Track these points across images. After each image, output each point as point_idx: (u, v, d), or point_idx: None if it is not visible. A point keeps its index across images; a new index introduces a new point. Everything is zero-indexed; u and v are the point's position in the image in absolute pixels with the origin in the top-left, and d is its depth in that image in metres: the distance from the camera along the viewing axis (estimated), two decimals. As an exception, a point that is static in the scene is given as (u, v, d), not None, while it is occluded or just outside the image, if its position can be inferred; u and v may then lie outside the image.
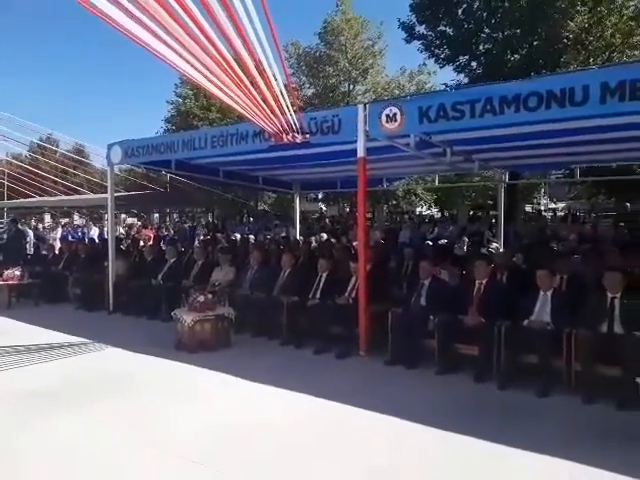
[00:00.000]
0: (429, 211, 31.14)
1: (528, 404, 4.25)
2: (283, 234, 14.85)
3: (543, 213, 23.73)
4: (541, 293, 4.93)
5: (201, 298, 6.09)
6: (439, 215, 28.27)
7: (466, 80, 16.79)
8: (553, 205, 30.80)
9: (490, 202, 23.62)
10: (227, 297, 6.56)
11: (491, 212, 22.34)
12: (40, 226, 19.07)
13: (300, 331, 6.14)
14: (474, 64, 17.06)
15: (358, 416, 4.05)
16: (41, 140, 30.72)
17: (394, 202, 28.11)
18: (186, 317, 5.95)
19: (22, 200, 20.68)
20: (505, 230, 10.27)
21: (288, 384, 4.67)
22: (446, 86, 17.16)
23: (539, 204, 30.41)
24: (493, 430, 3.70)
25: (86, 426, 3.87)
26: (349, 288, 6.22)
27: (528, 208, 26.03)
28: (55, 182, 23.36)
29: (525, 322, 4.83)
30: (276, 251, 8.68)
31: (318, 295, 6.46)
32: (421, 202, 29.35)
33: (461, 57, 16.97)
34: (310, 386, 4.62)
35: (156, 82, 67.78)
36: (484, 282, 5.38)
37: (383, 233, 14.06)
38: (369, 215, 26.70)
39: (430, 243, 9.44)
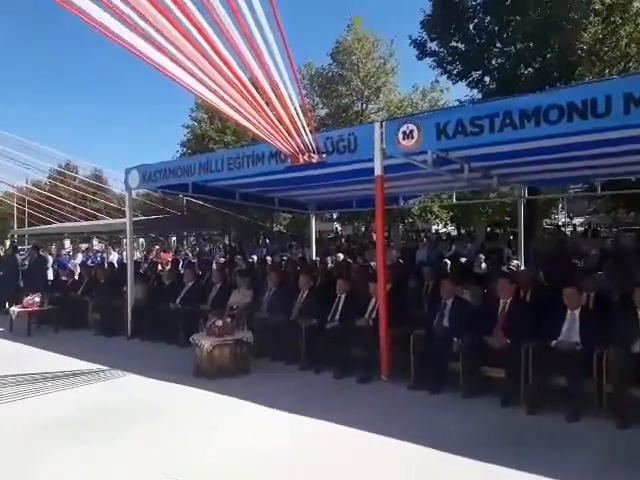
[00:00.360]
0: (445, 229, 30.86)
1: (558, 429, 4.06)
2: (300, 255, 14.79)
3: (562, 228, 23.33)
4: (568, 312, 4.75)
5: (219, 322, 6.01)
6: (456, 233, 27.99)
7: (479, 96, 16.74)
8: (569, 220, 30.30)
9: (507, 218, 23.30)
10: (245, 320, 6.47)
11: (509, 228, 22.05)
12: (63, 252, 19.30)
13: (319, 355, 6.01)
14: (487, 79, 17.02)
15: (381, 443, 3.90)
16: (60, 167, 31.41)
17: (410, 220, 27.93)
18: (204, 342, 5.88)
19: (42, 226, 21.06)
20: (525, 247, 10.05)
21: (308, 411, 4.55)
22: (460, 102, 17.13)
23: (557, 219, 29.95)
24: (523, 458, 3.53)
25: (104, 457, 3.78)
26: (369, 309, 6.11)
27: (546, 224, 25.64)
28: (74, 208, 23.76)
29: (553, 343, 4.65)
30: (293, 272, 8.60)
31: (337, 317, 6.35)
32: (437, 220, 29.12)
33: (474, 72, 16.95)
34: (331, 412, 4.50)
35: (172, 107, 69.23)
36: (508, 301, 5.22)
37: (400, 252, 13.94)
38: (385, 234, 26.62)
39: (448, 261, 9.27)
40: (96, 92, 76.41)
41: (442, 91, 24.70)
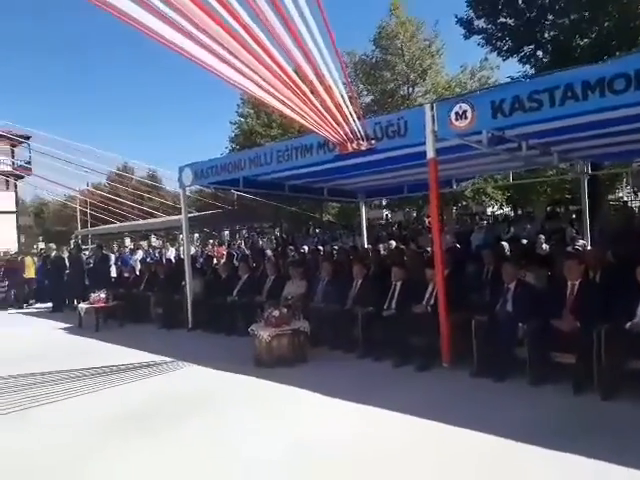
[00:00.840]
0: (501, 210, 29.88)
1: (637, 415, 3.83)
2: (351, 243, 14.74)
3: (628, 204, 22.01)
4: (644, 292, 4.45)
5: (276, 313, 6.09)
6: (512, 214, 27.03)
7: (532, 71, 15.99)
8: (634, 195, 28.54)
9: (568, 196, 22.27)
10: (301, 310, 6.51)
11: (570, 207, 21.04)
12: (127, 250, 20.23)
13: (377, 343, 5.98)
14: (540, 53, 16.22)
15: (446, 432, 3.82)
16: (118, 169, 32.81)
17: (463, 203, 27.22)
18: (263, 333, 5.96)
19: (104, 226, 22.10)
20: (590, 225, 9.54)
21: (368, 399, 4.53)
22: (512, 79, 16.44)
23: (621, 195, 28.31)
24: (598, 447, 3.34)
25: (170, 446, 3.90)
26: (426, 296, 6.01)
27: (610, 201, 24.28)
28: (132, 207, 24.77)
29: (628, 325, 4.38)
30: (346, 261, 8.57)
31: (394, 305, 6.29)
32: (492, 201, 28.22)
33: (525, 47, 16.21)
34: (391, 401, 4.46)
35: (220, 104, 70.61)
36: (577, 283, 4.97)
37: (454, 237, 13.61)
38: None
39: (505, 244, 8.95)
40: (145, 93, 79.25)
41: (492, 69, 23.84)
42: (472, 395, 4.59)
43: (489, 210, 30.32)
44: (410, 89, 25.25)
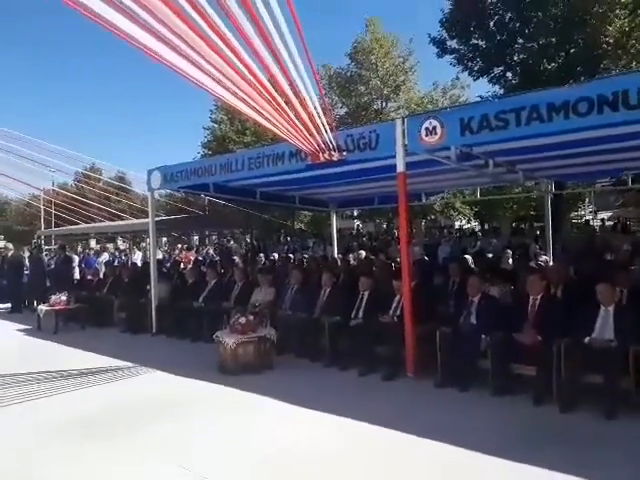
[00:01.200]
0: (468, 225, 30.48)
1: (595, 428, 3.94)
2: (321, 253, 14.77)
3: (590, 223, 22.82)
4: (602, 308, 4.61)
5: (242, 320, 6.03)
6: (479, 228, 27.61)
7: (502, 91, 16.50)
8: (595, 214, 29.60)
9: (532, 213, 22.91)
10: (268, 318, 6.48)
11: (535, 223, 21.64)
12: (91, 252, 19.68)
13: (344, 352, 5.99)
14: (509, 75, 16.79)
15: (408, 442, 3.84)
16: (85, 169, 31.97)
17: (432, 217, 27.65)
18: (228, 339, 5.89)
19: (69, 227, 21.45)
20: (553, 242, 9.84)
21: (333, 408, 4.52)
22: (482, 98, 16.89)
23: (583, 214, 29.31)
24: (561, 459, 3.42)
25: (123, 453, 3.80)
26: (393, 306, 6.06)
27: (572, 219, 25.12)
28: (99, 209, 24.18)
29: (587, 339, 4.51)
30: (315, 270, 8.57)
31: (361, 314, 6.32)
32: (460, 216, 28.77)
33: (495, 68, 16.75)
34: (356, 410, 4.45)
35: (192, 110, 70.26)
36: (539, 297, 5.10)
37: (423, 249, 13.80)
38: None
39: (469, 257, 9.13)
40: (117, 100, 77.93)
41: (463, 88, 24.50)
42: (436, 405, 4.64)
43: (457, 224, 30.85)
44: (383, 103, 25.65)
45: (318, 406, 4.60)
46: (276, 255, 13.52)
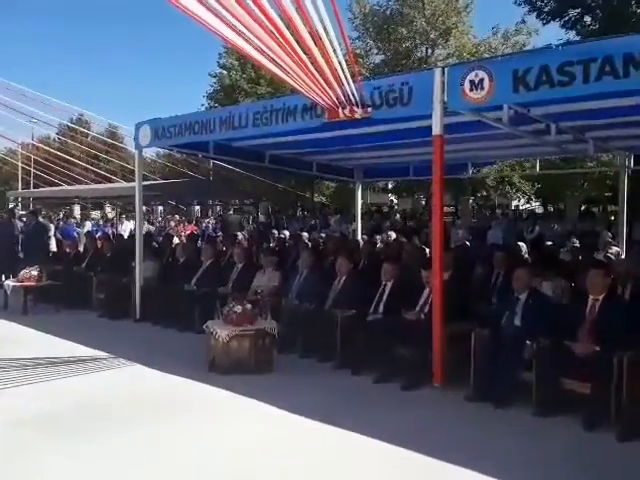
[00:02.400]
0: (528, 205, 29.99)
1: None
2: (345, 232, 14.73)
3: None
4: (679, 316, 4.44)
5: (238, 308, 6.02)
6: (541, 210, 27.13)
7: (577, 39, 15.97)
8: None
9: (608, 194, 22.34)
10: (270, 308, 6.47)
11: (609, 207, 21.11)
12: (72, 220, 20.02)
13: (358, 353, 5.96)
14: (587, 19, 16.22)
15: (427, 466, 3.79)
16: (71, 121, 32.42)
17: (484, 194, 27.28)
18: (220, 331, 5.91)
19: (50, 189, 21.82)
20: (629, 230, 9.58)
21: (341, 420, 4.50)
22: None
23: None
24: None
25: (91, 457, 3.85)
26: (421, 301, 6.01)
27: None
28: (86, 169, 24.54)
29: (656, 354, 4.37)
30: (332, 253, 8.55)
31: (381, 309, 6.29)
32: (518, 194, 28.31)
33: (571, 10, 16.20)
34: (368, 424, 4.43)
35: (197, 52, 70.19)
36: (600, 298, 4.95)
37: (468, 232, 13.63)
38: (452, 209, 26.13)
39: (523, 245, 8.95)
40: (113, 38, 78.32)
41: (530, 34, 23.73)
42: (466, 423, 4.58)
43: (514, 203, 30.42)
44: (429, 50, 25.10)
45: (322, 417, 4.59)
46: (287, 233, 13.51)
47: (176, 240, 12.88)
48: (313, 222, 20.34)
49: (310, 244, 10.43)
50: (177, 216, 23.60)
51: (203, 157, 10.82)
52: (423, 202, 27.58)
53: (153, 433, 4.34)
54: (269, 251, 8.68)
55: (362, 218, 13.10)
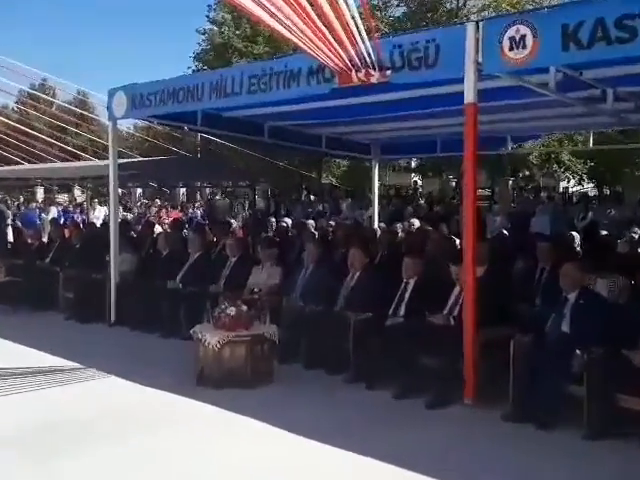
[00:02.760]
0: (579, 187, 29.88)
1: None
2: (360, 219, 14.76)
3: None
4: None
5: (231, 310, 6.06)
6: (595, 193, 27.05)
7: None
8: None
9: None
10: (269, 310, 6.51)
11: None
12: (34, 205, 20.16)
13: (374, 364, 5.99)
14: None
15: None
16: (33, 88, 32.46)
17: (526, 173, 27.20)
18: (210, 337, 5.95)
19: (7, 168, 21.89)
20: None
21: (353, 443, 4.54)
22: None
23: None
24: None
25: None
26: (450, 302, 6.04)
27: None
28: (50, 144, 24.61)
29: None
30: (343, 244, 8.59)
31: (402, 311, 6.33)
32: (567, 173, 28.20)
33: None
34: (385, 448, 4.46)
35: (183, 4, 70.14)
36: (664, 300, 4.96)
37: (508, 220, 13.61)
38: (487, 192, 26.09)
39: (576, 235, 8.94)
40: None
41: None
42: (502, 446, 4.61)
43: (562, 185, 30.32)
44: (460, 1, 24.95)
45: (331, 439, 4.62)
46: (289, 220, 13.53)
47: (158, 229, 12.96)
48: (321, 207, 20.42)
49: (317, 234, 10.48)
50: (159, 200, 23.70)
51: (189, 130, 10.80)
52: (453, 183, 27.64)
53: (130, 455, 4.39)
54: (268, 242, 8.68)
55: (380, 203, 13.12)
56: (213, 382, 5.87)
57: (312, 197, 25.31)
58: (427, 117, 8.43)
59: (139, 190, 27.23)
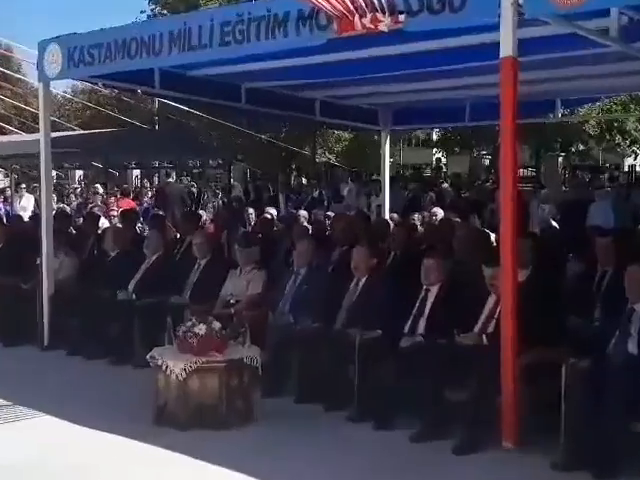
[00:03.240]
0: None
1: None
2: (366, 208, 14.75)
3: None
4: None
5: (201, 329, 6.05)
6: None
7: None
8: None
9: None
10: (250, 328, 6.51)
11: None
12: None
13: (386, 396, 6.01)
14: None
15: None
16: None
17: (580, 148, 27.24)
18: (173, 364, 5.95)
19: None
20: None
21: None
22: None
23: None
24: None
25: None
26: (482, 317, 6.05)
27: None
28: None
29: None
30: (346, 241, 8.56)
31: (421, 328, 6.35)
32: (634, 147, 28.25)
33: None
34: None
35: None
36: None
37: (558, 209, 13.61)
38: (531, 173, 26.03)
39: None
40: None
41: None
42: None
43: (628, 162, 30.39)
44: None
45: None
46: (273, 211, 13.51)
47: (104, 223, 12.91)
48: (316, 194, 20.34)
49: (311, 228, 10.48)
50: (104, 186, 23.61)
51: (144, 94, 10.81)
52: (486, 162, 27.65)
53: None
54: (248, 240, 8.64)
55: (392, 187, 13.12)
56: (177, 422, 5.87)
57: (304, 180, 25.32)
58: (452, 75, 8.45)
59: (79, 172, 27.18)
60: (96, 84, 10.40)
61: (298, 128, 22.22)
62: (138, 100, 25.51)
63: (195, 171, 27.93)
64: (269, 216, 12.73)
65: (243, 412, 6.05)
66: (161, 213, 15.58)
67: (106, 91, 24.80)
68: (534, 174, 24.94)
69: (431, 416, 5.71)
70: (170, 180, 24.10)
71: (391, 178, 13.29)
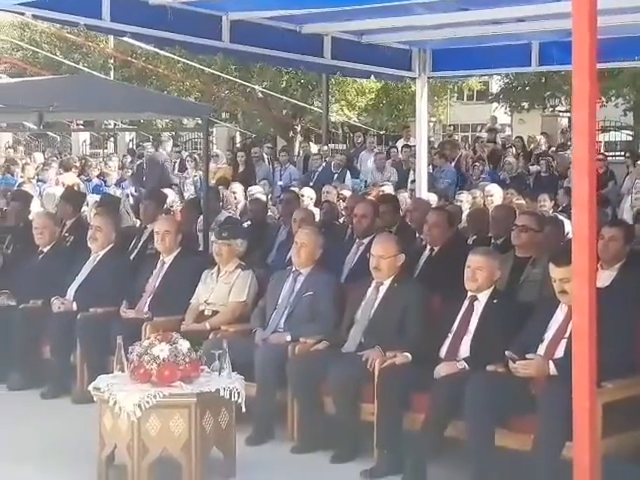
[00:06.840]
0: None
1: None
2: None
3: None
4: None
5: (162, 350, 6.06)
6: None
7: None
8: None
9: None
10: (230, 349, 6.52)
11: None
12: None
13: (417, 442, 6.02)
14: None
15: None
16: None
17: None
18: (124, 398, 5.95)
19: None
20: None
21: None
22: None
23: None
24: None
25: None
26: (548, 334, 6.03)
27: None
28: None
29: None
30: (364, 231, 8.58)
31: (465, 351, 6.34)
32: None
33: None
34: None
35: None
36: None
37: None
38: (621, 136, 25.89)
39: None
40: None
41: None
42: None
43: None
44: None
45: None
46: (266, 190, 13.52)
47: (37, 205, 12.99)
48: (322, 166, 20.18)
49: (319, 213, 10.50)
50: (40, 154, 23.73)
51: (89, 29, 10.77)
52: (564, 122, 27.55)
53: None
54: (231, 229, 8.66)
55: (431, 157, 13.07)
56: (131, 477, 5.88)
57: (312, 147, 25.21)
58: (511, 3, 8.44)
59: (6, 136, 27.29)
60: (25, 14, 10.33)
61: (301, 77, 22.15)
62: (87, 37, 25.50)
63: (164, 135, 27.93)
64: (261, 197, 12.76)
65: (220, 466, 6.08)
66: (115, 193, 15.59)
67: (42, 25, 24.77)
68: (630, 138, 24.81)
69: (480, 466, 5.71)
70: (151, 149, 23.80)
71: (430, 146, 13.19)
